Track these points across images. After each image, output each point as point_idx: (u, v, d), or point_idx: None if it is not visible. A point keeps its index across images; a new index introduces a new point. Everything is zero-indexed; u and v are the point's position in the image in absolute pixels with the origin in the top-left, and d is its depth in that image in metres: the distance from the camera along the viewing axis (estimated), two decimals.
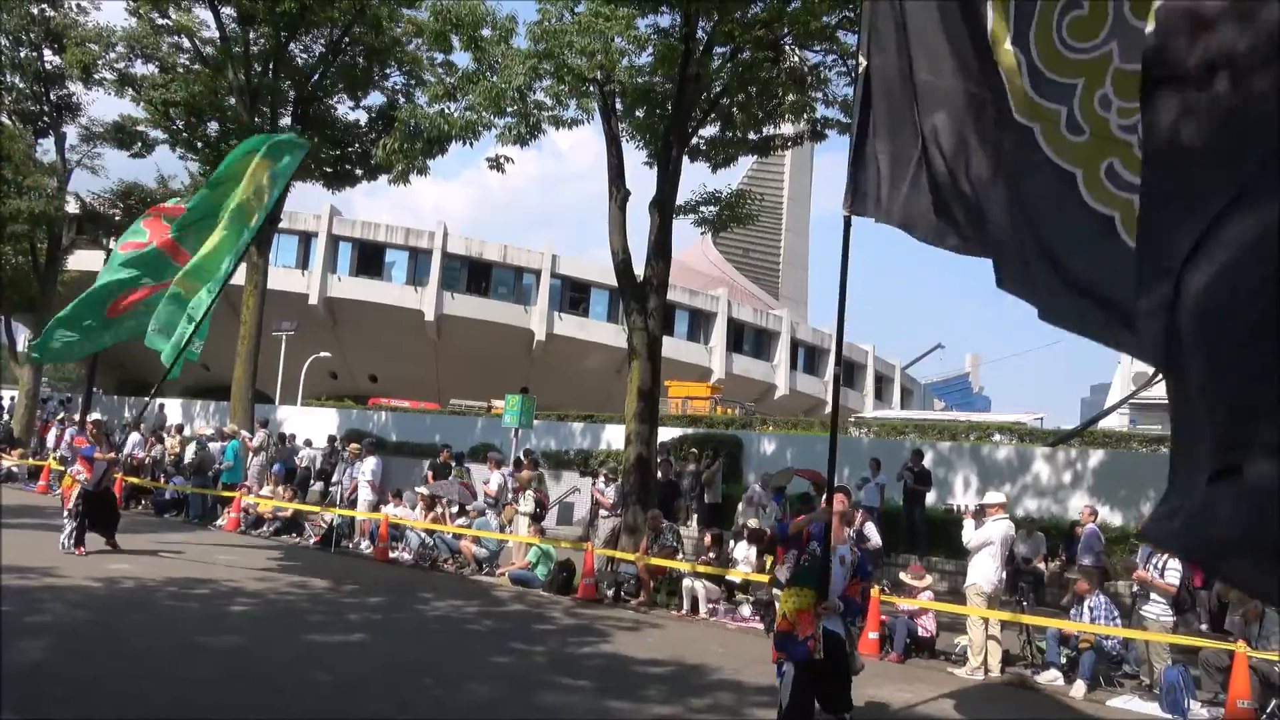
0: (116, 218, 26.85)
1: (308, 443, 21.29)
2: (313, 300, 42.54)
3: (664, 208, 14.82)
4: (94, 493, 12.79)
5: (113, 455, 13.03)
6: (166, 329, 11.68)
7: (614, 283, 16.44)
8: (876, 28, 4.89)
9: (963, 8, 4.39)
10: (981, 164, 4.39)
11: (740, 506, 17.42)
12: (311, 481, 19.50)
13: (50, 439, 24.48)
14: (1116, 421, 31.60)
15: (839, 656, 5.79)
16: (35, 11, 25.20)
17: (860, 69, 5.03)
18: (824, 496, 6.11)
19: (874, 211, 5.10)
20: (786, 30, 13.68)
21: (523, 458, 17.67)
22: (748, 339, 52.02)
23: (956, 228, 4.65)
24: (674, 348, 39.63)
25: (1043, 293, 4.15)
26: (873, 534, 13.48)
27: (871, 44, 4.95)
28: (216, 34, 23.02)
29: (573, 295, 47.12)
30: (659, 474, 15.93)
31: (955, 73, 4.49)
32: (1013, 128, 4.07)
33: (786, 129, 16.95)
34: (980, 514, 10.34)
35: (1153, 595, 9.14)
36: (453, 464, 18.34)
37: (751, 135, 16.31)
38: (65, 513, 12.79)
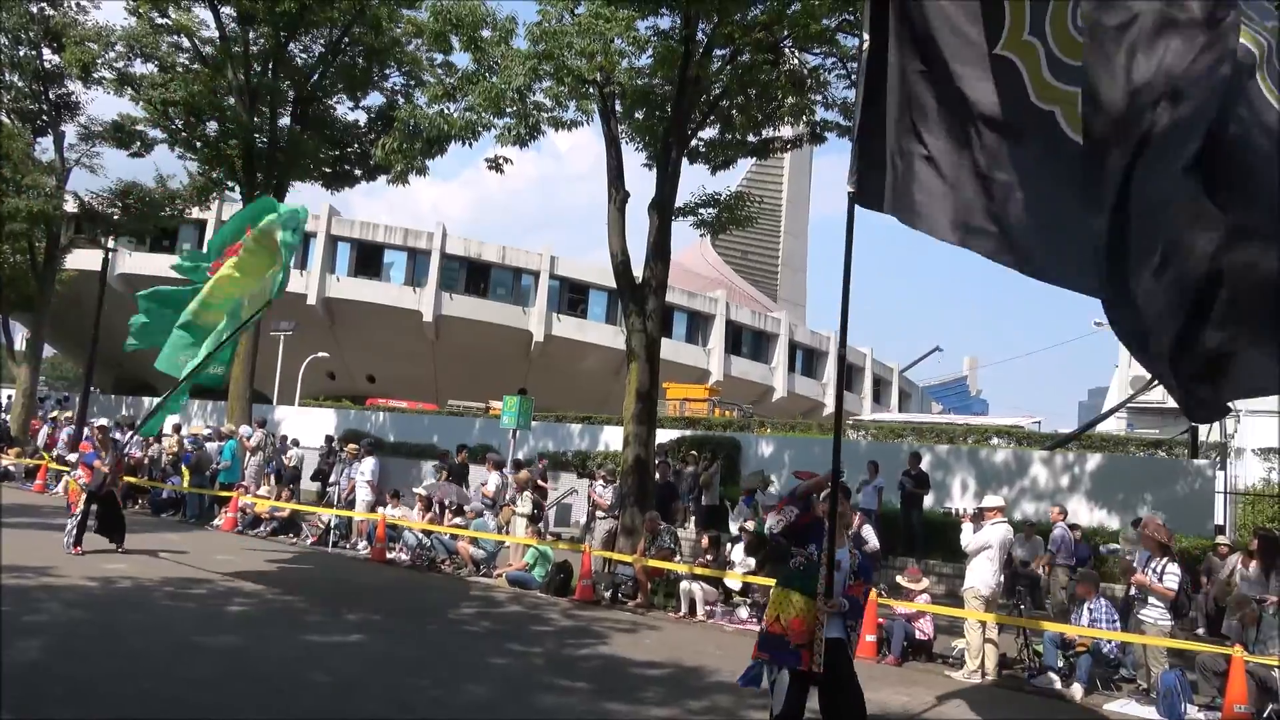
0: (115, 217, 26.86)
1: (295, 442, 21.23)
2: (311, 300, 42.53)
3: (663, 209, 14.83)
4: (96, 494, 12.93)
5: (106, 470, 13.06)
6: (173, 353, 11.66)
7: (612, 284, 16.44)
8: (878, 20, 4.88)
9: (962, 6, 4.42)
10: (981, 154, 4.43)
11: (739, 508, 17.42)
12: (300, 480, 19.48)
13: (41, 438, 24.54)
14: (1114, 425, 31.63)
15: (842, 664, 5.48)
16: (34, 10, 25.19)
17: (864, 48, 4.99)
18: (823, 497, 5.89)
19: (875, 201, 5.10)
20: (786, 33, 13.69)
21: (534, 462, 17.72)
22: (746, 341, 52.07)
23: (946, 218, 4.68)
24: (672, 349, 39.64)
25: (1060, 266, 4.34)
26: (870, 536, 13.47)
27: (872, 35, 4.93)
28: (216, 33, 23.04)
29: (571, 296, 47.14)
30: (657, 475, 15.92)
31: (950, 66, 4.52)
32: (1031, 113, 4.14)
33: (786, 132, 16.96)
34: (979, 517, 10.34)
35: (1150, 599, 9.14)
36: (469, 465, 18.31)
37: (751, 138, 16.32)
38: (72, 516, 12.91)
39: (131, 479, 18.62)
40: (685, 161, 15.38)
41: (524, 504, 14.54)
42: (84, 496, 12.89)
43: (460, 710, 6.86)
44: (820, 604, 5.38)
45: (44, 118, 26.91)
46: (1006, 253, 4.45)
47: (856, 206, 5.10)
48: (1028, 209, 4.31)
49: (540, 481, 17.50)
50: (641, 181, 26.92)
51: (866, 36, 4.92)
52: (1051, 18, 4.07)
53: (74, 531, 12.52)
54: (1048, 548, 14.02)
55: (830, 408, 50.38)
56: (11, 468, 22.77)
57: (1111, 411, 30.97)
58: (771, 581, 11.27)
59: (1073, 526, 14.95)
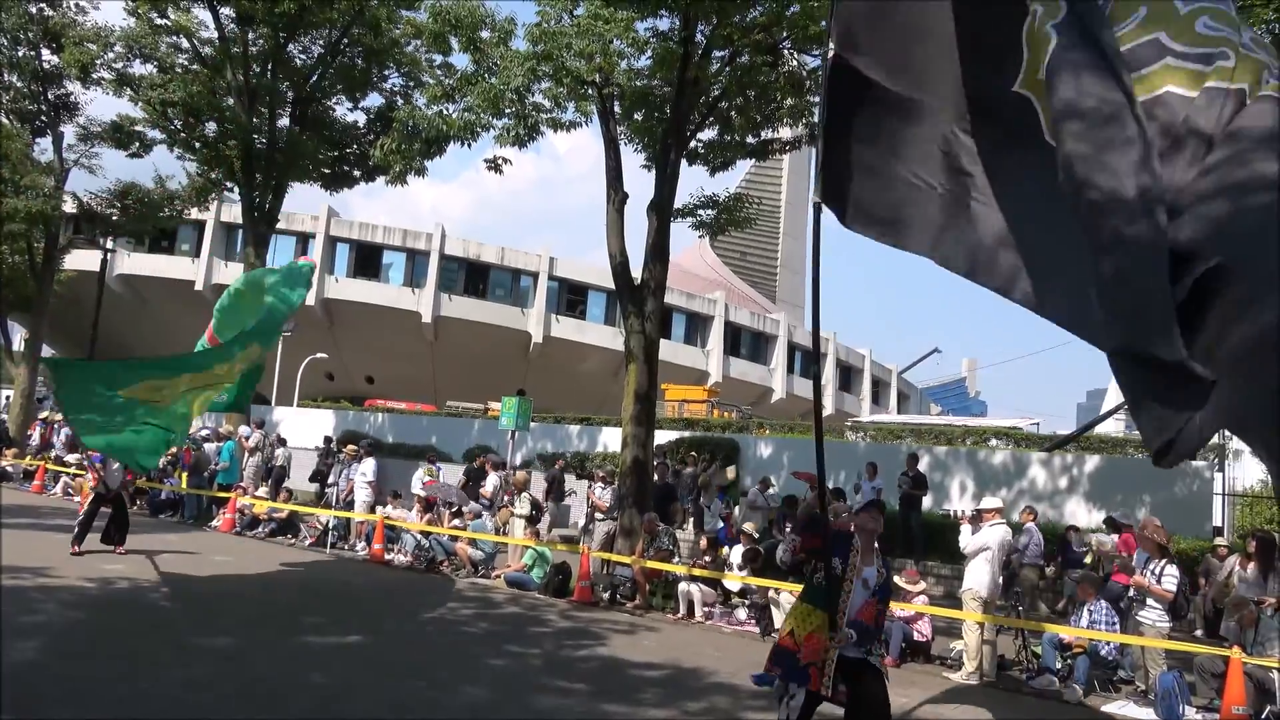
0: (114, 217, 26.82)
1: (281, 441, 21.21)
2: (310, 301, 42.35)
3: (662, 211, 14.83)
4: (106, 496, 13.00)
5: (102, 475, 13.08)
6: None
7: (611, 285, 16.43)
8: (853, 32, 4.76)
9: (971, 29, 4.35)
10: (985, 182, 4.38)
11: (736, 510, 17.42)
12: (286, 479, 19.48)
13: (35, 437, 24.56)
14: (1112, 427, 31.52)
15: (866, 683, 5.25)
16: (33, 10, 25.15)
17: (828, 57, 4.88)
18: (854, 510, 5.76)
19: (846, 211, 5.02)
20: (785, 34, 13.69)
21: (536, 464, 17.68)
22: (745, 342, 52.08)
23: (935, 238, 4.61)
24: (671, 351, 39.64)
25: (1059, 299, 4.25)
26: None
27: (838, 43, 4.80)
28: (215, 34, 23.03)
29: (570, 297, 47.15)
30: (655, 477, 15.91)
31: (929, 88, 4.45)
32: (1045, 149, 4.09)
33: (785, 133, 16.95)
34: (977, 519, 10.35)
35: (1149, 600, 9.14)
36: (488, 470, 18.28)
37: (749, 139, 16.31)
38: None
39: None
40: (684, 163, 15.37)
41: (522, 505, 14.53)
42: (91, 498, 12.92)
43: (458, 711, 6.85)
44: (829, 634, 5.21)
45: (43, 118, 26.85)
46: (1013, 290, 4.36)
47: (835, 219, 5.01)
48: (1028, 245, 4.23)
49: (547, 487, 17.51)
50: (640, 183, 26.87)
51: (832, 47, 4.82)
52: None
53: (75, 531, 12.56)
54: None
55: (829, 409, 50.39)
56: (9, 468, 22.74)
57: (1110, 413, 30.79)
58: (768, 583, 11.32)
59: (1070, 528, 14.96)
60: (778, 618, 11.10)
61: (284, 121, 23.97)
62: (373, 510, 15.98)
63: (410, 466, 21.86)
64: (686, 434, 23.21)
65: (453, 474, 18.63)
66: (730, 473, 17.25)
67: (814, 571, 5.48)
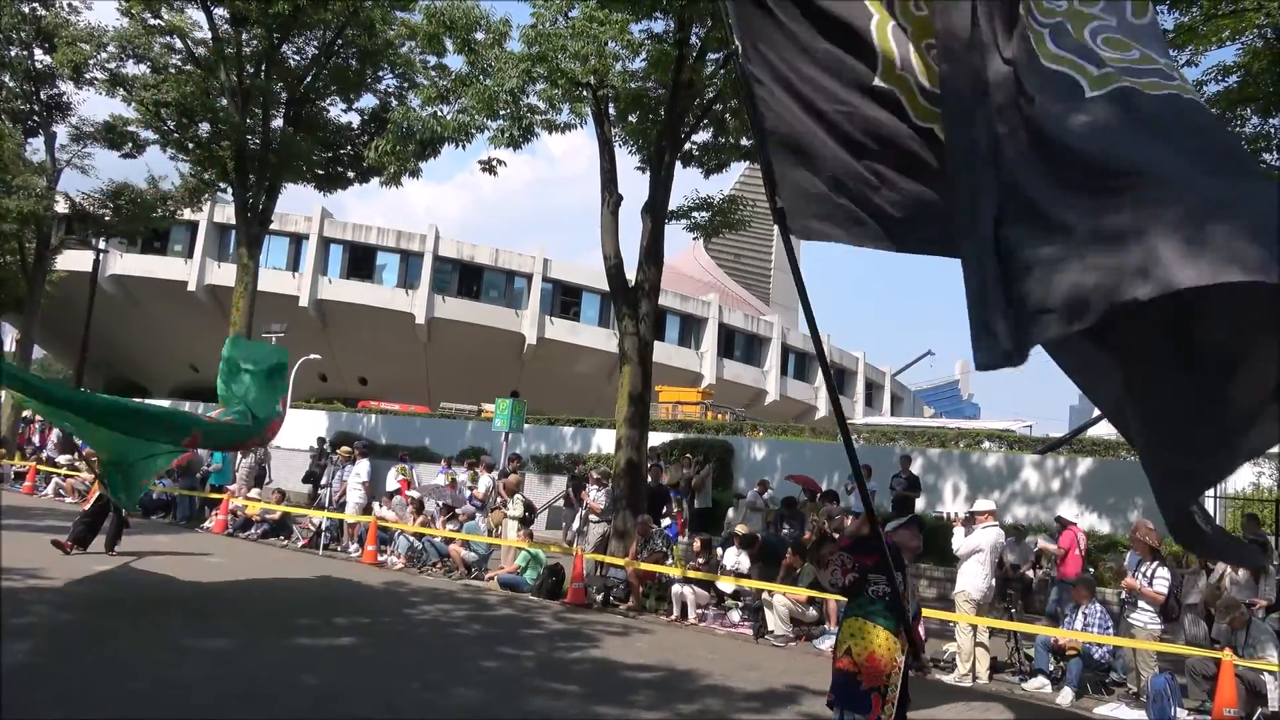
0: (106, 218, 26.79)
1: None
2: (303, 302, 42.44)
3: (656, 213, 14.83)
4: (109, 500, 12.89)
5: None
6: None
7: (605, 287, 16.43)
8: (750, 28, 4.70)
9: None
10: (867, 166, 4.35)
11: (730, 513, 17.44)
12: (264, 479, 19.42)
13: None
14: (1105, 429, 31.65)
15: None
16: (26, 10, 25.13)
17: (738, 54, 4.82)
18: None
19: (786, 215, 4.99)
20: None
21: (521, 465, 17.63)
22: (738, 344, 52.12)
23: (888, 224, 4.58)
24: (665, 353, 39.67)
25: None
26: None
27: (743, 42, 4.73)
28: (209, 35, 23.00)
29: (564, 299, 47.15)
30: (649, 478, 15.89)
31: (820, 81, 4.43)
32: (914, 131, 4.05)
33: None
34: (970, 521, 10.37)
35: (1140, 603, 9.17)
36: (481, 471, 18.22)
37: (744, 141, 16.32)
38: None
39: None
40: (678, 165, 15.37)
41: (514, 507, 14.52)
42: (96, 498, 12.86)
43: (450, 713, 6.84)
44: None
45: (35, 118, 26.83)
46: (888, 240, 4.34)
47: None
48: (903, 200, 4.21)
49: (570, 491, 17.41)
50: (635, 185, 27.00)
51: (738, 43, 4.76)
52: (916, 58, 4.02)
53: (77, 530, 12.46)
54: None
55: (823, 410, 50.46)
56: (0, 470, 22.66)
57: (1103, 415, 31.01)
58: (762, 585, 11.32)
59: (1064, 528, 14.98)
60: (771, 620, 11.12)
61: (278, 122, 23.94)
62: (366, 512, 15.95)
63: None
64: (680, 436, 23.23)
65: (427, 472, 18.58)
66: (669, 474, 17.28)
67: (870, 586, 5.04)
